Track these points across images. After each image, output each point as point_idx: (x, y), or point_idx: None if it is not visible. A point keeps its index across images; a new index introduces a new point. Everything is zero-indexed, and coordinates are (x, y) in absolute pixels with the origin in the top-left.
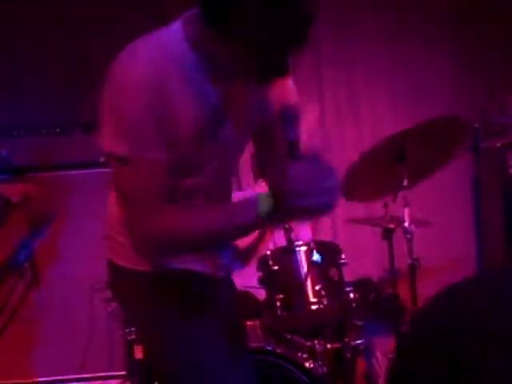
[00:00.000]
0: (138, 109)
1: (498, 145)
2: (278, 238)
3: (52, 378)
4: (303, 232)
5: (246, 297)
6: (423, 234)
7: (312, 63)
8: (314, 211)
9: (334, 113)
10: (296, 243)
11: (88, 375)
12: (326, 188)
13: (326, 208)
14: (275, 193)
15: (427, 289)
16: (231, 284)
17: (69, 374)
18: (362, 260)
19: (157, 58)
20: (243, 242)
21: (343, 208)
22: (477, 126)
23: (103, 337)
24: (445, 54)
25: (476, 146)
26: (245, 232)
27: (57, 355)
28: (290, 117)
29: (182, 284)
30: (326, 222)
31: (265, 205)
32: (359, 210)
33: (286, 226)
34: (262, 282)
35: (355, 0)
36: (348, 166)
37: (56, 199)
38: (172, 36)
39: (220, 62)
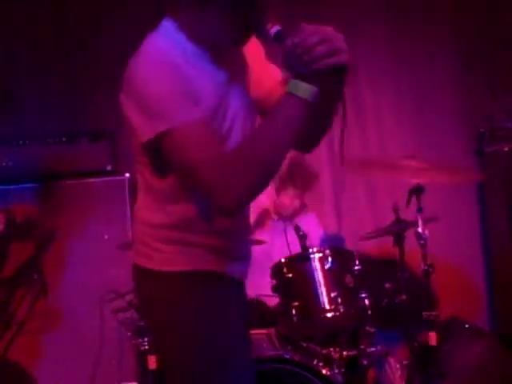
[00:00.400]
0: (164, 84)
1: (506, 149)
2: (293, 245)
3: None
4: (314, 236)
5: (259, 305)
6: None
7: None
8: (336, 56)
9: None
10: (311, 250)
11: None
12: (317, 40)
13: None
14: (293, 66)
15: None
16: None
17: None
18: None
19: (166, 48)
20: None
21: (350, 220)
22: (482, 130)
23: (113, 348)
24: (449, 56)
25: (481, 150)
26: (302, 121)
27: (66, 367)
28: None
29: (214, 286)
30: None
31: (297, 86)
32: (367, 221)
33: (301, 233)
34: (277, 289)
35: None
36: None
37: (63, 208)
38: (166, 32)
39: (212, 39)
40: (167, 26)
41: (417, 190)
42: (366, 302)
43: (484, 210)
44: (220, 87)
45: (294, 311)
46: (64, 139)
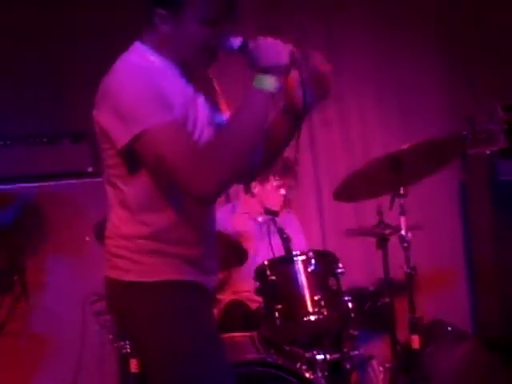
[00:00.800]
0: (137, 89)
1: (488, 152)
2: (276, 248)
3: None
4: (297, 240)
5: (242, 307)
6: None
7: None
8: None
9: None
10: (294, 253)
11: None
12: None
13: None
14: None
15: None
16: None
17: None
18: (356, 270)
19: (138, 62)
20: None
21: (333, 218)
22: (465, 133)
23: (95, 350)
24: (432, 58)
25: (464, 153)
26: (267, 112)
27: (47, 370)
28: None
29: (194, 295)
30: (316, 232)
31: (262, 81)
32: (350, 219)
33: (284, 235)
34: (260, 292)
35: (343, 2)
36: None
37: (44, 210)
38: (138, 51)
39: (180, 58)
40: (139, 46)
41: (399, 194)
42: (350, 304)
43: (466, 212)
44: (188, 99)
45: (277, 314)
46: (45, 140)
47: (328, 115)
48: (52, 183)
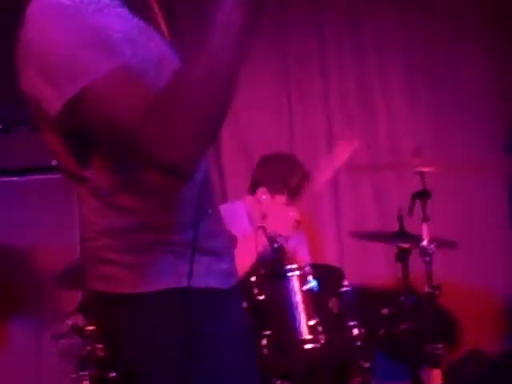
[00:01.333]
0: (68, 32)
1: None
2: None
3: None
4: (300, 253)
5: None
6: (446, 257)
7: (314, 40)
8: None
9: (339, 99)
10: (288, 267)
11: None
12: None
13: None
14: None
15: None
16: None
17: None
18: (372, 286)
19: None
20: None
21: (351, 220)
22: None
23: (52, 380)
24: (476, 31)
25: None
26: (246, 29)
27: None
28: None
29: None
30: (329, 235)
31: None
32: (370, 222)
33: (276, 245)
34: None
35: None
36: None
37: None
38: None
39: None
40: None
41: (421, 195)
42: (356, 331)
43: None
44: (139, 31)
45: (265, 341)
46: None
47: (349, 107)
48: (6, 179)
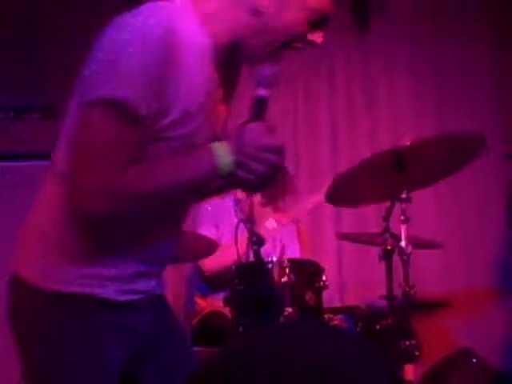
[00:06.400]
0: (150, 60)
1: None
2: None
3: None
4: (291, 248)
5: (217, 318)
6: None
7: (322, 52)
8: (256, 178)
9: (345, 102)
10: (267, 260)
11: None
12: (269, 157)
13: (267, 177)
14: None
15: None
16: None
17: None
18: (354, 284)
19: (170, 22)
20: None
21: (333, 222)
22: None
23: None
24: (478, 37)
25: (509, 154)
26: (198, 185)
27: None
28: (264, 76)
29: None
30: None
31: (224, 156)
32: (353, 224)
33: (254, 238)
34: (227, 302)
35: None
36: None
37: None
38: (181, 9)
39: (229, 37)
40: (184, 3)
41: (401, 198)
42: (331, 323)
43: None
44: (202, 93)
45: (241, 329)
46: (11, 115)
47: (354, 103)
48: (18, 164)
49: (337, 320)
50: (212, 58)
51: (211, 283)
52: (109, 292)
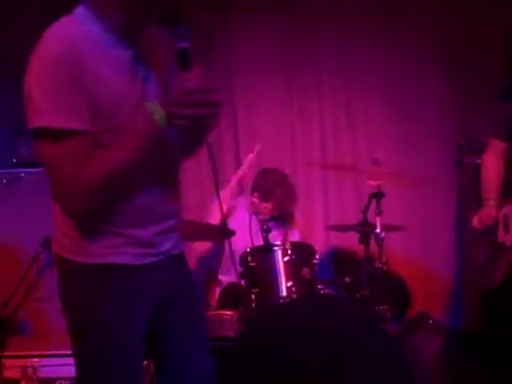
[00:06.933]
0: (58, 80)
1: (478, 161)
2: (257, 238)
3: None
4: (293, 234)
5: (237, 288)
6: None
7: (313, 74)
8: (198, 122)
9: (332, 120)
10: (273, 243)
11: None
12: (206, 100)
13: (207, 120)
14: (162, 102)
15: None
16: (177, 264)
17: None
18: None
19: (68, 35)
20: None
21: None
22: (462, 142)
23: None
24: (435, 74)
25: (460, 161)
26: (151, 143)
27: None
28: (182, 29)
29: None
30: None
31: (157, 112)
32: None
33: (264, 227)
34: (242, 276)
35: (356, 21)
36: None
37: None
38: (79, 16)
39: (123, 19)
40: (79, 12)
41: (376, 195)
42: (322, 293)
43: (461, 215)
44: (125, 70)
45: (253, 297)
46: None
47: (338, 127)
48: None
49: (327, 290)
50: (124, 45)
51: None
52: (128, 258)
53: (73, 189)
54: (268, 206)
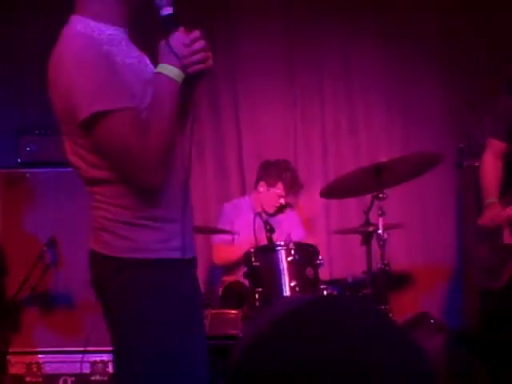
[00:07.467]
0: (99, 72)
1: (477, 164)
2: (261, 238)
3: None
4: (297, 232)
5: (239, 287)
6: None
7: (315, 78)
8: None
9: (333, 125)
10: (277, 243)
11: (95, 348)
12: (198, 46)
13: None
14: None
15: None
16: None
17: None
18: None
19: (90, 36)
20: None
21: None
22: (462, 146)
23: None
24: (436, 79)
25: (460, 164)
26: (176, 97)
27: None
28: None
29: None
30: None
31: (172, 71)
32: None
33: (268, 227)
34: (246, 275)
35: (357, 25)
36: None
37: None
38: (83, 24)
39: (122, 17)
40: (79, 19)
41: (379, 197)
42: (325, 292)
43: (460, 217)
44: (141, 71)
45: (257, 296)
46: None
47: (340, 127)
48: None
49: (329, 289)
50: (124, 34)
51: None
52: (176, 253)
53: (147, 158)
54: (276, 190)
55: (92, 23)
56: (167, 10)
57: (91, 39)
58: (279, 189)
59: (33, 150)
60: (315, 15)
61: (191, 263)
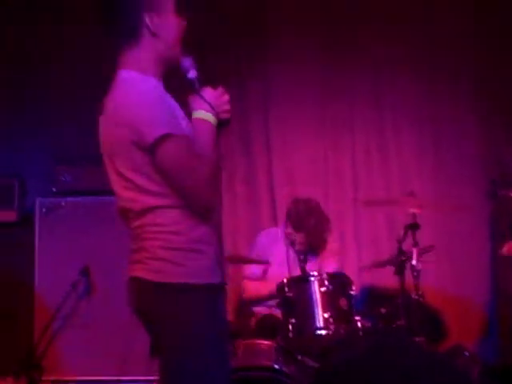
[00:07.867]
0: (158, 107)
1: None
2: (294, 269)
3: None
4: (329, 263)
5: (272, 318)
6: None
7: (346, 106)
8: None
9: (364, 153)
10: (310, 273)
11: (128, 377)
12: (225, 98)
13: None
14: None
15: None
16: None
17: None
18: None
19: (146, 87)
20: None
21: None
22: (494, 177)
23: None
24: (467, 105)
25: (495, 193)
26: (215, 134)
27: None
28: (188, 64)
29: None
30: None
31: (208, 116)
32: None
33: (301, 257)
34: (279, 306)
35: (389, 54)
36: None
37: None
38: (136, 78)
39: (169, 53)
40: (131, 74)
41: (412, 227)
42: (359, 324)
43: (495, 247)
44: (179, 115)
45: (290, 327)
46: None
47: (371, 159)
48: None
49: (363, 321)
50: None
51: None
52: (218, 278)
53: (205, 178)
54: (301, 235)
55: (140, 75)
56: (193, 73)
57: (148, 81)
58: (303, 235)
59: (68, 179)
60: (348, 44)
61: (225, 288)
